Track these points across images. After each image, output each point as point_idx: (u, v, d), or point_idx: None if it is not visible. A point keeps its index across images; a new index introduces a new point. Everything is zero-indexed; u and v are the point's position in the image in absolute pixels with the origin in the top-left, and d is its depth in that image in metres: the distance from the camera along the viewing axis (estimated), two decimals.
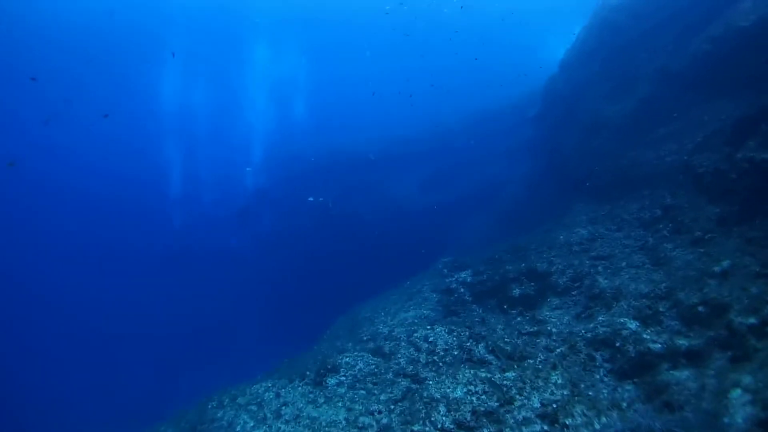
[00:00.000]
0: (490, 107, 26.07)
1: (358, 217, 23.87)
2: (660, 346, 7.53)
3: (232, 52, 34.97)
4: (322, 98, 37.52)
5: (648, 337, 7.79)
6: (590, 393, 7.07)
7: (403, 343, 9.84)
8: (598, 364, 7.87)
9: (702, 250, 9.44)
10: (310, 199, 23.43)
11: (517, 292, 11.03)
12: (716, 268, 8.56)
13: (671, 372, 7.07)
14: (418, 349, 9.33)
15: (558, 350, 8.13)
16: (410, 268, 15.71)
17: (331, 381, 9.45)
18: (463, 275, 12.97)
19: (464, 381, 7.34)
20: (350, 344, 11.34)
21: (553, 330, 8.82)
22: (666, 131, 12.76)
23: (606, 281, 10.10)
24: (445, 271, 14.20)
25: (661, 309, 8.45)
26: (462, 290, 12.26)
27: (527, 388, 7.03)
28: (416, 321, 11.19)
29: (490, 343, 8.43)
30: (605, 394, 7.09)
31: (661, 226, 11.00)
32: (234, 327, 24.59)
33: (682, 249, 9.89)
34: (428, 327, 9.99)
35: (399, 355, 9.45)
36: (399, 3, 29.61)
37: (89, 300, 29.86)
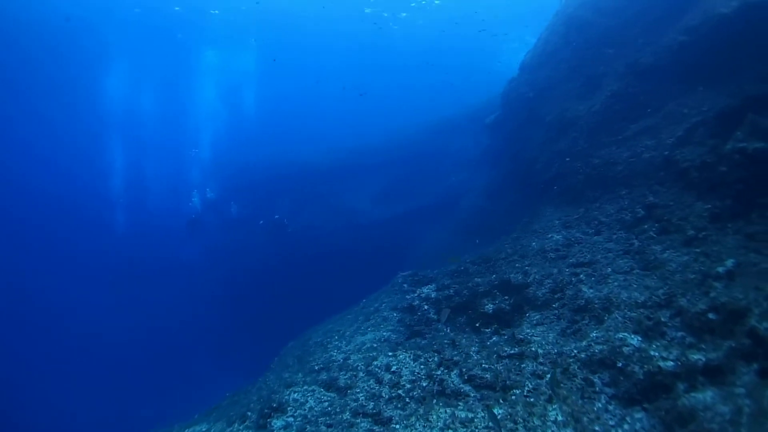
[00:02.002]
0: (447, 116, 25.19)
1: (311, 231, 22.46)
2: (672, 363, 6.23)
3: (182, 58, 33.06)
4: (276, 108, 36.03)
5: (656, 354, 6.49)
6: (596, 429, 5.65)
7: (361, 374, 8.23)
8: (598, 389, 6.50)
9: (698, 250, 8.35)
10: (261, 221, 21.76)
11: (490, 307, 9.63)
12: (720, 269, 7.45)
13: (692, 395, 5.76)
14: (379, 381, 7.74)
15: (549, 376, 6.70)
16: (367, 285, 14.24)
17: (277, 423, 7.79)
18: (426, 290, 11.51)
19: (439, 425, 5.79)
20: (300, 375, 9.68)
21: (539, 351, 7.42)
22: (640, 127, 11.85)
23: (592, 290, 8.87)
24: (406, 286, 12.76)
25: (662, 319, 7.22)
26: (426, 307, 10.77)
27: (521, 430, 5.54)
28: (375, 345, 9.62)
29: (465, 370, 6.94)
30: (614, 428, 5.69)
31: (646, 226, 9.92)
32: (177, 350, 22.64)
33: (674, 250, 8.79)
34: (390, 353, 8.43)
35: (357, 389, 7.83)
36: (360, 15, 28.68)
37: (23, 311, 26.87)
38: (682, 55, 11.13)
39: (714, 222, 8.66)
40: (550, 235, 11.71)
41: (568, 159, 13.65)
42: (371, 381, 7.95)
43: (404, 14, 27.79)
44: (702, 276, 7.62)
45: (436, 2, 28.98)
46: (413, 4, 27.46)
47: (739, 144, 8.80)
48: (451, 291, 10.83)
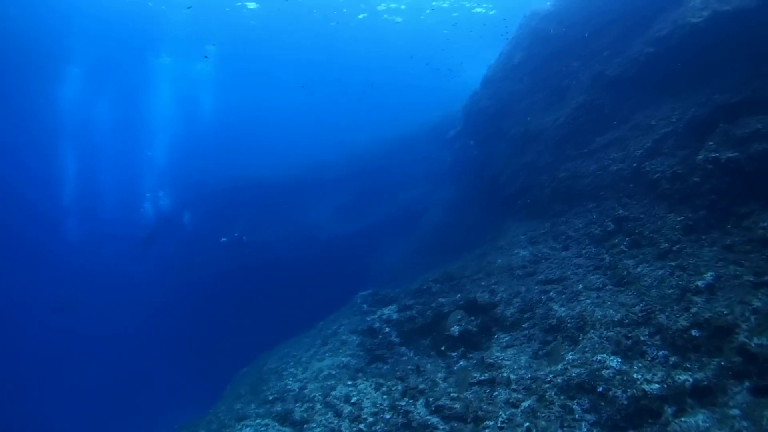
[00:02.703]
0: (408, 131, 24.80)
1: (270, 248, 21.40)
2: (658, 386, 5.63)
3: (137, 66, 31.64)
4: (234, 121, 34.92)
5: (639, 376, 5.88)
6: None
7: (318, 406, 7.36)
8: (578, 416, 5.83)
9: (673, 263, 7.90)
10: (223, 239, 20.62)
11: (455, 329, 8.89)
12: (699, 283, 7.00)
13: (682, 419, 5.17)
14: (338, 414, 6.89)
15: (524, 404, 5.99)
16: (327, 304, 13.39)
17: None
18: (387, 311, 10.72)
19: None
20: (253, 407, 8.77)
21: (511, 376, 6.72)
22: (607, 139, 11.54)
23: (563, 309, 8.31)
24: (365, 306, 11.98)
25: (642, 338, 6.67)
26: (387, 330, 9.96)
27: None
28: (334, 373, 8.75)
29: (431, 399, 6.15)
30: None
31: (616, 240, 9.47)
32: (122, 375, 20.97)
33: (647, 264, 8.33)
34: (349, 382, 7.60)
35: (314, 424, 6.96)
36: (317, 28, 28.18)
37: None
38: (649, 66, 10.93)
39: (688, 234, 8.26)
40: (516, 251, 11.21)
41: (532, 173, 13.28)
42: (329, 414, 7.07)
43: (363, 15, 27.32)
44: (680, 291, 7.15)
45: (398, 20, 28.82)
46: (361, 16, 27.14)
47: (712, 154, 8.50)
48: (414, 312, 10.09)
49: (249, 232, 21.41)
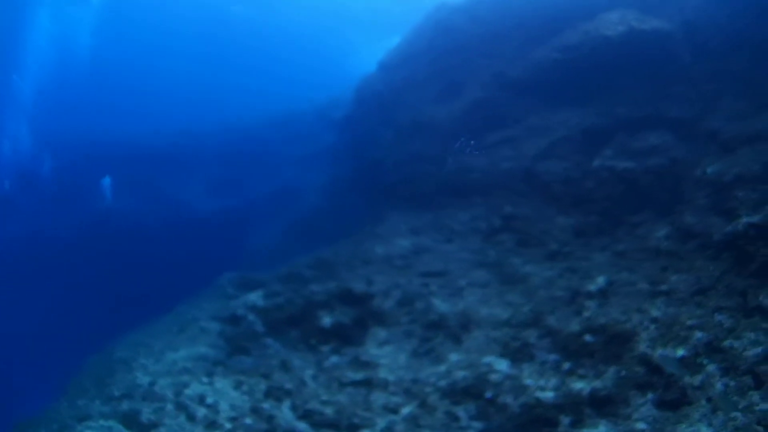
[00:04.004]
0: (293, 109, 23.14)
1: (131, 219, 18.53)
2: (552, 394, 4.96)
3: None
4: (108, 74, 30.39)
5: (532, 382, 5.16)
6: None
7: (169, 406, 5.92)
8: (464, 424, 4.98)
9: (563, 265, 7.53)
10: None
11: (327, 321, 7.70)
12: (591, 287, 6.60)
13: (583, 431, 4.48)
14: (191, 418, 5.54)
15: (405, 410, 4.98)
16: (188, 286, 11.53)
17: None
18: (253, 297, 9.22)
19: None
20: (98, 404, 7.13)
21: (389, 378, 5.72)
22: (500, 137, 11.18)
23: (445, 304, 7.56)
24: (230, 290, 10.35)
25: (531, 340, 6.02)
26: (252, 318, 8.46)
27: None
28: (189, 366, 7.23)
29: (299, 402, 4.92)
30: None
31: (503, 237, 9.00)
32: None
33: (535, 264, 7.92)
34: (205, 378, 6.16)
35: (163, 429, 5.34)
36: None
37: None
38: (553, 71, 10.75)
39: (578, 237, 8.01)
40: (396, 241, 10.35)
41: (419, 162, 12.62)
42: (181, 417, 5.63)
43: None
44: (571, 293, 6.73)
45: None
46: None
47: (608, 162, 8.37)
48: (282, 299, 8.72)
49: (111, 200, 18.62)
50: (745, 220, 5.68)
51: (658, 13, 9.67)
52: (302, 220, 15.95)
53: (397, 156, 13.62)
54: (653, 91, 8.94)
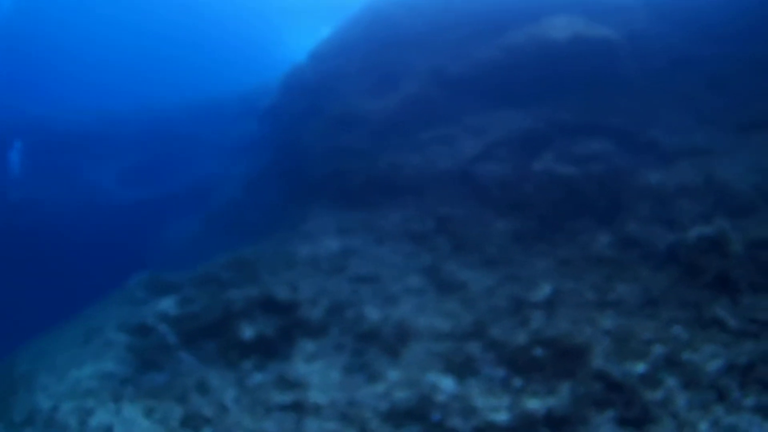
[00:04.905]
0: (215, 97, 21.83)
1: (36, 209, 17.20)
2: (507, 416, 4.45)
3: None
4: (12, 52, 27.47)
5: (481, 402, 4.61)
6: None
7: None
8: None
9: (503, 271, 7.12)
10: None
11: (248, 332, 6.78)
12: (536, 296, 6.20)
13: None
14: None
15: None
16: (98, 287, 10.42)
17: None
18: (165, 304, 8.09)
19: None
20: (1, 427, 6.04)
21: (321, 400, 4.98)
22: (435, 135, 10.78)
23: (379, 313, 6.89)
24: (140, 294, 9.14)
25: (476, 355, 5.52)
26: (163, 329, 7.32)
27: None
28: (94, 386, 6.21)
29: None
30: None
31: (438, 240, 8.49)
32: None
33: (473, 270, 7.47)
34: (112, 403, 5.17)
35: None
36: None
37: None
38: (496, 71, 10.54)
39: (517, 242, 7.65)
40: (323, 241, 9.60)
41: (349, 157, 11.92)
42: None
43: None
44: (515, 303, 6.30)
45: None
46: None
47: (548, 166, 8.10)
48: (197, 307, 7.66)
49: (15, 186, 17.12)
50: (696, 232, 5.50)
51: (604, 22, 9.67)
52: (221, 214, 14.89)
53: (325, 149, 12.87)
54: (595, 98, 8.87)
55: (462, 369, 5.33)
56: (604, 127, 8.32)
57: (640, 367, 4.48)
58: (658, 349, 4.61)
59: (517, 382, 4.98)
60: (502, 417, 4.48)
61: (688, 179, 6.74)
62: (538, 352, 5.26)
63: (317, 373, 5.54)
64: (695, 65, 8.33)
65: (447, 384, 5.02)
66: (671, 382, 4.32)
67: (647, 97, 8.62)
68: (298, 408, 4.77)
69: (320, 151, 12.92)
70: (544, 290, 6.25)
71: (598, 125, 8.38)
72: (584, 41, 9.34)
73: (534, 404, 4.57)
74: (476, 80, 10.74)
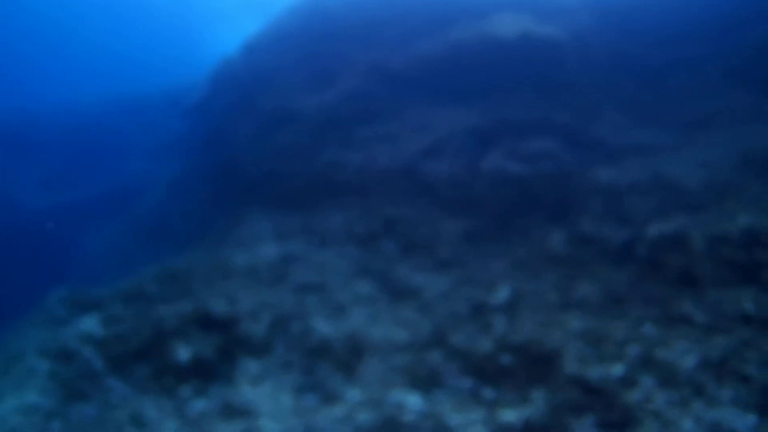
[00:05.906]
0: (139, 92, 20.30)
1: None
2: (483, 431, 4.06)
3: None
4: None
5: (455, 419, 4.23)
6: None
7: None
8: None
9: (457, 274, 6.80)
10: None
11: (184, 354, 6.03)
12: (495, 300, 5.89)
13: None
14: None
15: None
16: (16, 305, 9.15)
17: None
18: (88, 324, 7.07)
19: None
20: None
21: (275, 429, 4.31)
22: (378, 132, 10.38)
23: (327, 325, 6.34)
24: (60, 312, 8.00)
25: (440, 366, 5.16)
26: (88, 352, 6.32)
27: None
28: (19, 423, 5.25)
29: None
30: None
31: (385, 243, 8.07)
32: None
33: (426, 274, 7.11)
34: None
35: None
36: None
37: None
38: (438, 68, 10.29)
39: (470, 243, 7.36)
40: (261, 247, 8.97)
41: (286, 156, 11.29)
42: None
43: None
44: (474, 307, 5.98)
45: None
46: None
47: (497, 164, 7.89)
48: (125, 327, 6.76)
49: None
50: (656, 229, 5.41)
51: (548, 21, 9.64)
52: (148, 219, 13.80)
53: (259, 149, 12.19)
54: (541, 96, 8.81)
55: (427, 383, 4.94)
56: (552, 124, 8.25)
57: (618, 369, 4.28)
58: (633, 350, 4.44)
59: (487, 392, 4.65)
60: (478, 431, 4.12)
61: (637, 176, 6.74)
62: (506, 359, 4.96)
63: (266, 397, 4.95)
64: (633, 66, 8.47)
65: (413, 401, 4.60)
66: (648, 381, 4.18)
67: (590, 95, 8.68)
68: None
69: (254, 150, 12.18)
70: (503, 292, 5.99)
71: (546, 123, 8.31)
72: (532, 39, 9.29)
73: (510, 416, 4.26)
74: (420, 76, 10.44)
